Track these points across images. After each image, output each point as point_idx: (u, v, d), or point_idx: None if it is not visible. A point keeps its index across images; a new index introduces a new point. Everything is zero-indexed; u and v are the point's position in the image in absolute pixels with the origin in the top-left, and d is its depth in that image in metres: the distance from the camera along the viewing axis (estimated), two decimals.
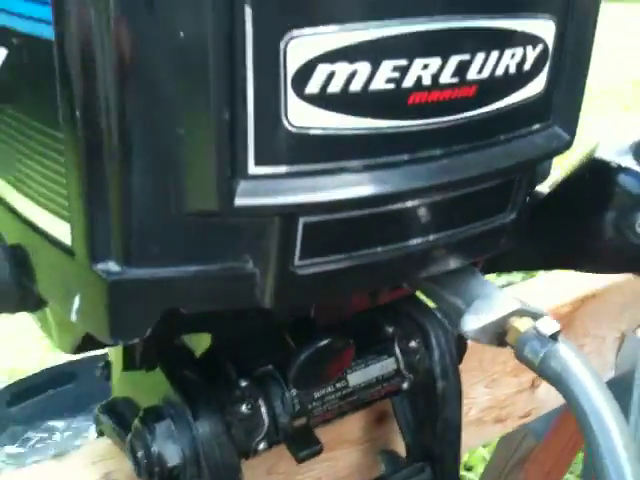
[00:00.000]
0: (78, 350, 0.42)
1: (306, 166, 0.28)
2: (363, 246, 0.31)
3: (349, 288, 0.32)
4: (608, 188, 0.38)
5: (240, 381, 0.42)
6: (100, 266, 0.30)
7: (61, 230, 0.31)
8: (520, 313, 0.35)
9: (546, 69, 0.33)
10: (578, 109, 0.36)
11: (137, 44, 0.26)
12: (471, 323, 0.35)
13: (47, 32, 0.27)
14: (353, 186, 0.28)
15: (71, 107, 0.27)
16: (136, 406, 0.50)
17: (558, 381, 0.31)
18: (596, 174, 0.39)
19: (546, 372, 0.32)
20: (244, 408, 0.41)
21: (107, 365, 0.55)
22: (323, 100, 0.27)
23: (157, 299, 0.30)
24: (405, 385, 0.48)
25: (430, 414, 0.49)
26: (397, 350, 0.47)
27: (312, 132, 0.27)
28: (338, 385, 0.44)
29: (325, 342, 0.35)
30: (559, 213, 0.40)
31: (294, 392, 0.43)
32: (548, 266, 0.43)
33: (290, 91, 0.26)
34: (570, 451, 1.01)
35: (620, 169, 0.38)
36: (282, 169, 0.28)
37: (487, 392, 0.68)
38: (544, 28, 0.32)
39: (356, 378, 0.45)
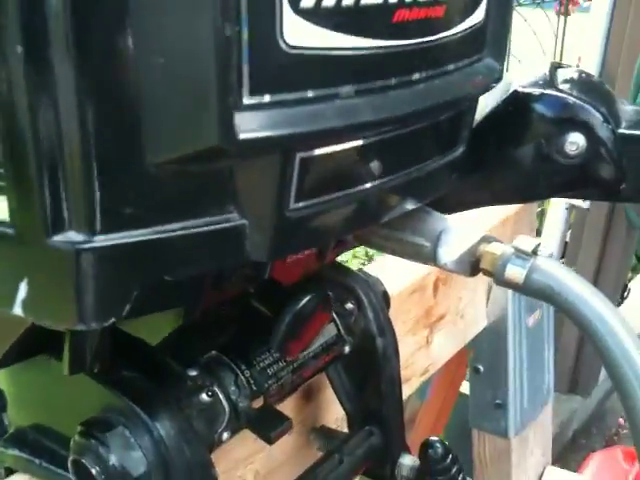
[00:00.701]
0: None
1: (301, 93, 0.25)
2: (354, 183, 0.29)
3: (340, 230, 0.30)
4: (531, 116, 0.39)
5: (189, 371, 0.37)
6: (57, 238, 0.24)
7: None
8: (487, 239, 0.35)
9: None
10: (506, 41, 0.37)
11: None
12: (447, 255, 0.35)
13: None
14: (350, 112, 0.26)
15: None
16: (52, 431, 0.43)
17: (550, 295, 0.31)
18: (518, 106, 0.40)
19: (533, 288, 0.32)
20: (203, 397, 0.36)
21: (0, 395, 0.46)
22: (318, 16, 0.24)
23: (135, 268, 0.26)
24: (346, 348, 0.46)
25: (372, 375, 0.48)
26: (334, 315, 0.46)
27: (307, 53, 0.25)
28: (288, 359, 0.42)
29: (308, 298, 0.32)
30: (489, 148, 0.41)
31: (247, 373, 0.39)
32: (484, 202, 0.44)
33: (285, 4, 0.24)
34: (446, 410, 1.07)
35: (540, 96, 0.39)
36: (279, 97, 0.24)
37: None
38: None
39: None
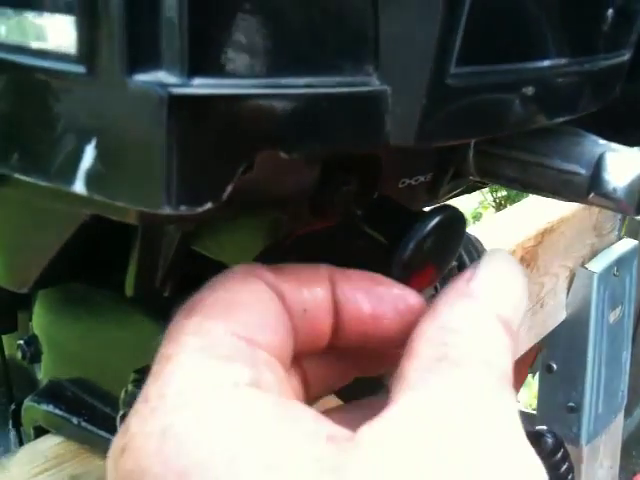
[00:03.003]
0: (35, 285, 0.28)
1: None
2: (525, 55, 0.22)
3: (499, 121, 0.23)
4: None
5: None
6: (142, 77, 0.17)
7: (52, 30, 0.18)
8: None
9: None
10: None
11: None
12: (616, 180, 0.27)
13: None
14: None
15: None
16: (96, 387, 0.36)
17: None
18: None
19: None
20: None
21: (32, 341, 0.40)
22: None
23: (245, 133, 0.18)
24: None
25: None
26: None
27: None
28: None
29: (438, 219, 0.25)
30: None
31: None
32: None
33: None
34: None
35: None
36: None
37: None
38: None
39: None
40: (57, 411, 0.37)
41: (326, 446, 0.17)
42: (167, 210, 0.18)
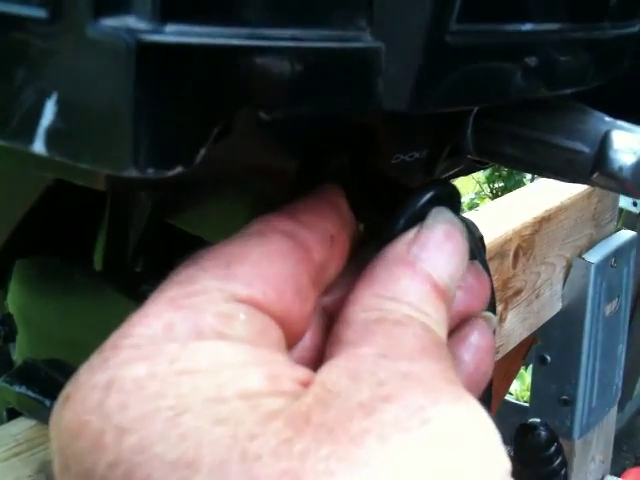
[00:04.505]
0: None
1: None
2: (533, 16, 0.20)
3: (502, 86, 0.21)
4: None
5: None
6: (109, 22, 0.16)
7: None
8: None
9: None
10: None
11: None
12: (623, 158, 0.25)
13: None
14: None
15: None
16: (69, 367, 0.35)
17: None
18: None
19: None
20: None
21: (7, 320, 0.38)
22: None
23: (223, 85, 0.17)
24: None
25: None
26: None
27: None
28: None
29: (430, 194, 0.23)
30: None
31: None
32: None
33: None
34: (495, 405, 0.97)
35: None
36: None
37: None
38: None
39: None
40: (30, 393, 0.35)
41: (275, 400, 0.16)
42: (133, 173, 0.16)
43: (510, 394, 1.60)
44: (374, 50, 0.18)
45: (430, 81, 0.19)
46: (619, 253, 0.77)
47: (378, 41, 0.18)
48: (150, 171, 0.17)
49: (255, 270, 0.19)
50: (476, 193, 2.42)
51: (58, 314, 0.36)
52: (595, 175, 0.27)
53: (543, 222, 0.66)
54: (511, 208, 0.64)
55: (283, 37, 0.17)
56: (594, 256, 0.73)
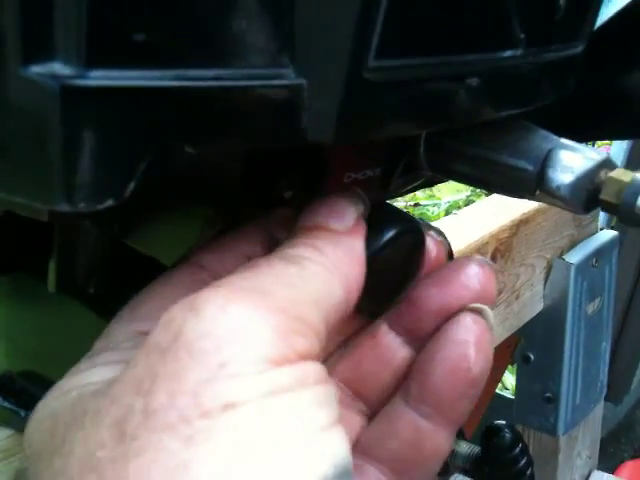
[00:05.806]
0: None
1: None
2: (455, 48, 0.21)
3: (425, 116, 0.22)
4: None
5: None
6: (36, 69, 0.17)
7: None
8: (607, 164, 0.27)
9: None
10: None
11: None
12: (560, 177, 0.26)
13: None
14: None
15: None
16: (47, 380, 0.36)
17: None
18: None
19: None
20: None
21: None
22: None
23: (146, 127, 0.18)
24: None
25: None
26: None
27: None
28: None
29: (392, 234, 0.23)
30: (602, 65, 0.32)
31: None
32: (595, 131, 0.35)
33: None
34: (484, 404, 0.98)
35: None
36: None
37: None
38: None
39: None
40: (6, 404, 0.36)
41: None
42: (65, 207, 0.17)
43: (506, 389, 1.61)
44: (297, 86, 0.19)
45: (353, 113, 0.19)
46: (600, 253, 0.78)
47: (300, 78, 0.19)
48: (82, 205, 0.18)
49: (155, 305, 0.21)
50: (472, 190, 2.42)
51: (32, 328, 0.37)
52: (538, 192, 0.28)
53: (521, 225, 0.67)
54: (489, 212, 0.65)
55: (206, 77, 0.18)
56: (574, 256, 0.74)
